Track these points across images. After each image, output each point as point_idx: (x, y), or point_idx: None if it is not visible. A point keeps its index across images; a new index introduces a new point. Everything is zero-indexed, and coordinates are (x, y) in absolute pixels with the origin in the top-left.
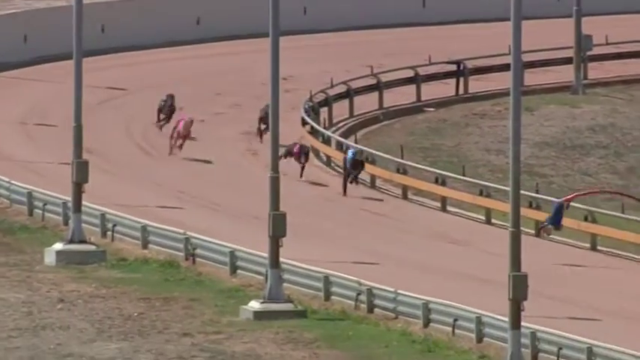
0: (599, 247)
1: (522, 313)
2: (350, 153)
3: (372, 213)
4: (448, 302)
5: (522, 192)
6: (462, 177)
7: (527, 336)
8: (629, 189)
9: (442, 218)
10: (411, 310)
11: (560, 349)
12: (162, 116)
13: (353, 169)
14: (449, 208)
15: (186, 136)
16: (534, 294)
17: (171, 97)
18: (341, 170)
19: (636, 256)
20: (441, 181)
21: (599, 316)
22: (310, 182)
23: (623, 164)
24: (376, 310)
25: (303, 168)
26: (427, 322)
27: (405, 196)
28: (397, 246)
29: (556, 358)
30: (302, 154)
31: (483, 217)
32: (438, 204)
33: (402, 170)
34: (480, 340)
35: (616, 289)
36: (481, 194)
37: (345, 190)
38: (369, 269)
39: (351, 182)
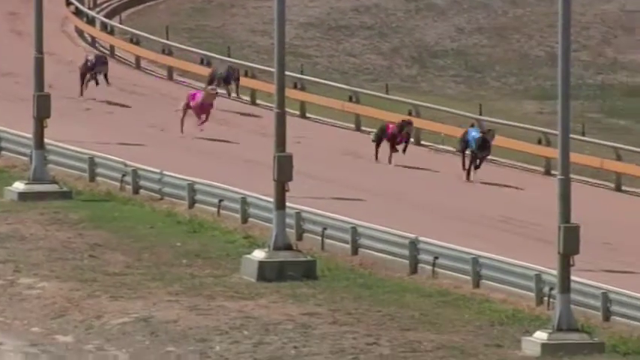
0: (362, 128)
1: (287, 194)
2: (474, 131)
3: (139, 95)
4: (213, 183)
5: (287, 73)
6: (227, 58)
7: (292, 216)
8: (392, 69)
9: None
10: (176, 191)
11: (325, 229)
12: (87, 78)
13: (480, 150)
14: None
15: (210, 110)
16: (300, 175)
17: (101, 60)
18: None
19: None
20: (205, 62)
21: (364, 196)
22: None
23: (387, 45)
24: (142, 191)
25: (395, 150)
26: (192, 203)
27: (170, 78)
28: (162, 127)
29: (320, 237)
30: (400, 133)
31: (249, 98)
32: (204, 85)
33: (167, 51)
34: (245, 220)
35: (379, 170)
36: (246, 75)
37: (468, 175)
38: (134, 151)
39: (477, 168)
